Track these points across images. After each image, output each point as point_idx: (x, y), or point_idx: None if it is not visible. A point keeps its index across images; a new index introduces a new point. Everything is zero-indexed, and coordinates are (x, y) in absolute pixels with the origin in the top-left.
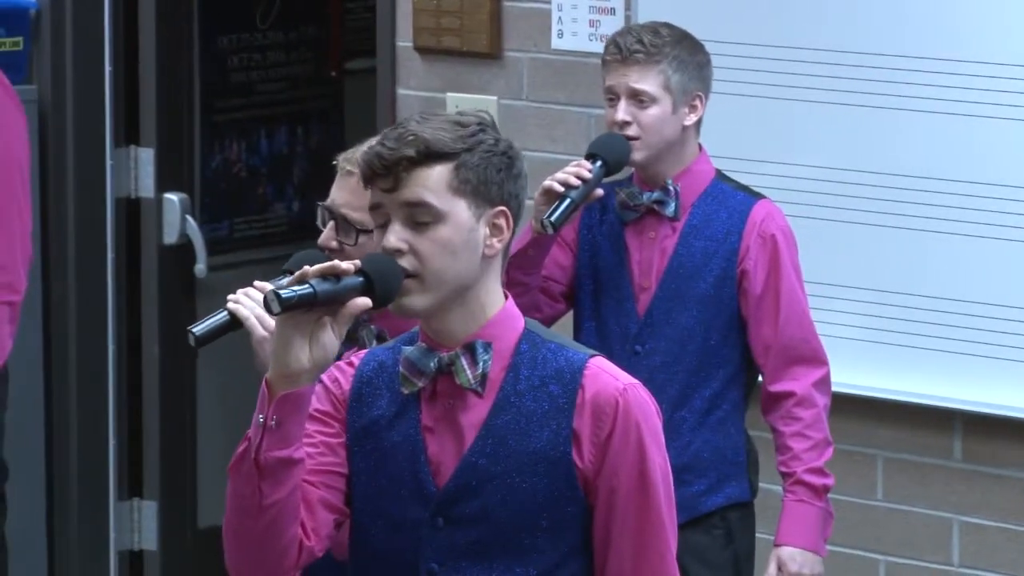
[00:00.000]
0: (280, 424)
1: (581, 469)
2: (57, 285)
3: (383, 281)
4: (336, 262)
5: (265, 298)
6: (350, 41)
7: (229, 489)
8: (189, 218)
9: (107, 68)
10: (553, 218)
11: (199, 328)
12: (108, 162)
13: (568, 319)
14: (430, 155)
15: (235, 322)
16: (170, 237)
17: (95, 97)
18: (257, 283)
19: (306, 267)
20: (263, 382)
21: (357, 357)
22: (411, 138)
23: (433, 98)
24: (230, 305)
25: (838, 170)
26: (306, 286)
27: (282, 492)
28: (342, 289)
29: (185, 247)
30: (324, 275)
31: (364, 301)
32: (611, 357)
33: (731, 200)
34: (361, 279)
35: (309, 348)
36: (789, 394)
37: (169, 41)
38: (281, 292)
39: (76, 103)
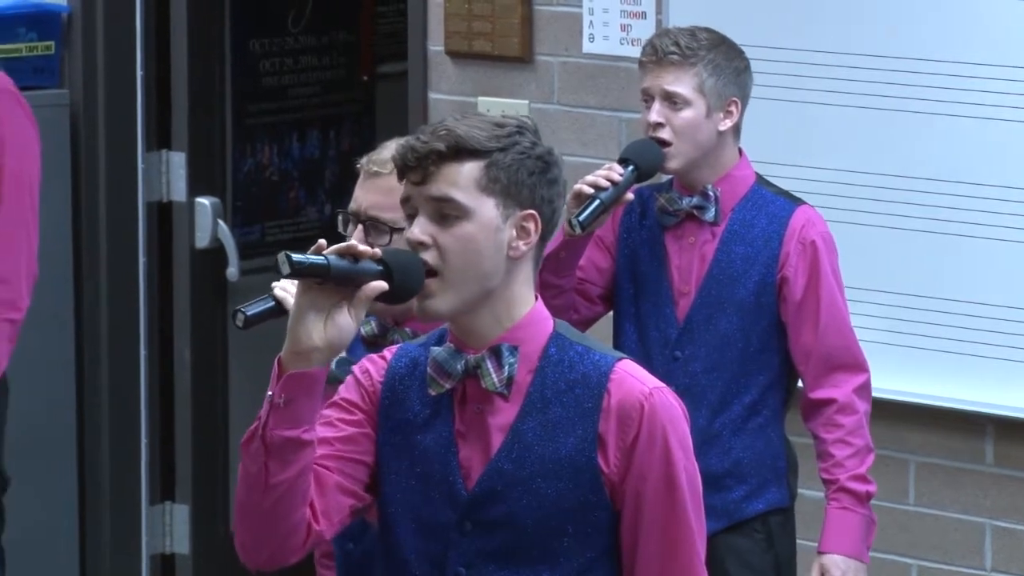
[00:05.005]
0: (288, 403)
1: (607, 474)
2: (89, 289)
3: (402, 272)
4: (353, 242)
5: (277, 259)
6: (381, 45)
7: (240, 466)
8: (221, 222)
9: (139, 72)
10: (581, 218)
11: (250, 310)
12: (140, 166)
13: (608, 320)
14: (460, 151)
15: (281, 308)
16: (202, 241)
17: (127, 101)
18: None
19: (321, 241)
20: (276, 360)
21: (390, 351)
22: (444, 133)
23: (465, 102)
24: (277, 292)
25: (867, 174)
26: (320, 257)
27: (289, 472)
28: (358, 271)
29: (217, 251)
30: (341, 254)
31: (380, 284)
32: (650, 362)
33: (771, 206)
34: (380, 268)
35: (323, 326)
36: (830, 401)
37: (201, 45)
38: (292, 255)
39: (108, 107)
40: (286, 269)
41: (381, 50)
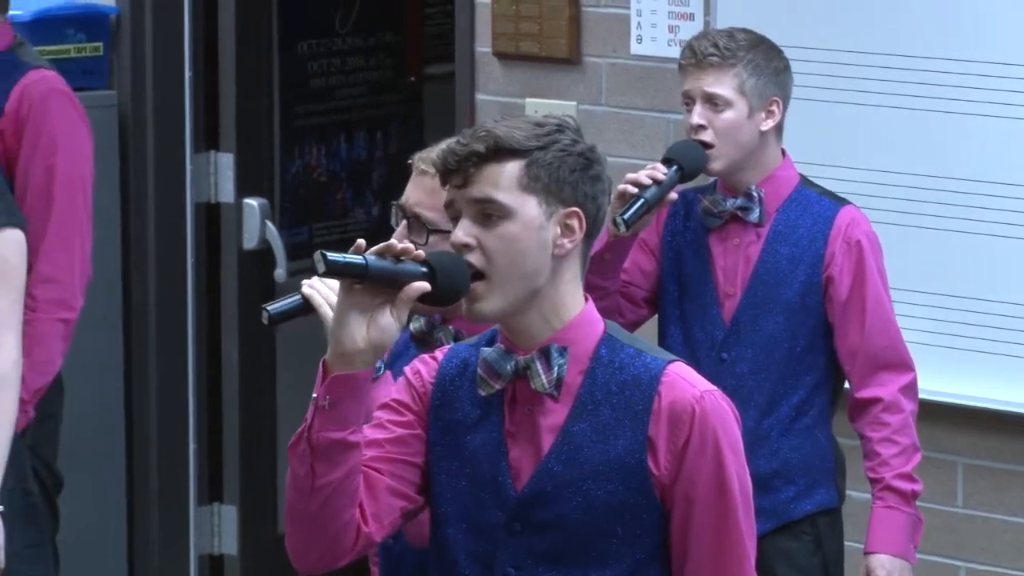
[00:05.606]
0: (333, 405)
1: (657, 476)
2: (137, 290)
3: (446, 274)
4: (392, 242)
5: (313, 257)
6: (429, 46)
7: (288, 469)
8: (269, 223)
9: (187, 73)
10: (626, 216)
11: (274, 307)
12: (188, 167)
13: (653, 323)
14: (500, 151)
15: (308, 306)
16: (250, 242)
17: (175, 102)
18: None
19: (360, 241)
20: (320, 363)
21: (441, 352)
22: (483, 134)
23: (512, 103)
24: (305, 289)
25: (904, 174)
26: (358, 257)
27: (336, 474)
28: (399, 272)
29: (265, 252)
30: (381, 254)
31: (422, 285)
32: (697, 364)
33: (816, 206)
34: (424, 270)
35: (366, 328)
36: (876, 400)
37: (249, 46)
38: (328, 254)
39: (156, 108)
40: (321, 268)
41: (428, 51)
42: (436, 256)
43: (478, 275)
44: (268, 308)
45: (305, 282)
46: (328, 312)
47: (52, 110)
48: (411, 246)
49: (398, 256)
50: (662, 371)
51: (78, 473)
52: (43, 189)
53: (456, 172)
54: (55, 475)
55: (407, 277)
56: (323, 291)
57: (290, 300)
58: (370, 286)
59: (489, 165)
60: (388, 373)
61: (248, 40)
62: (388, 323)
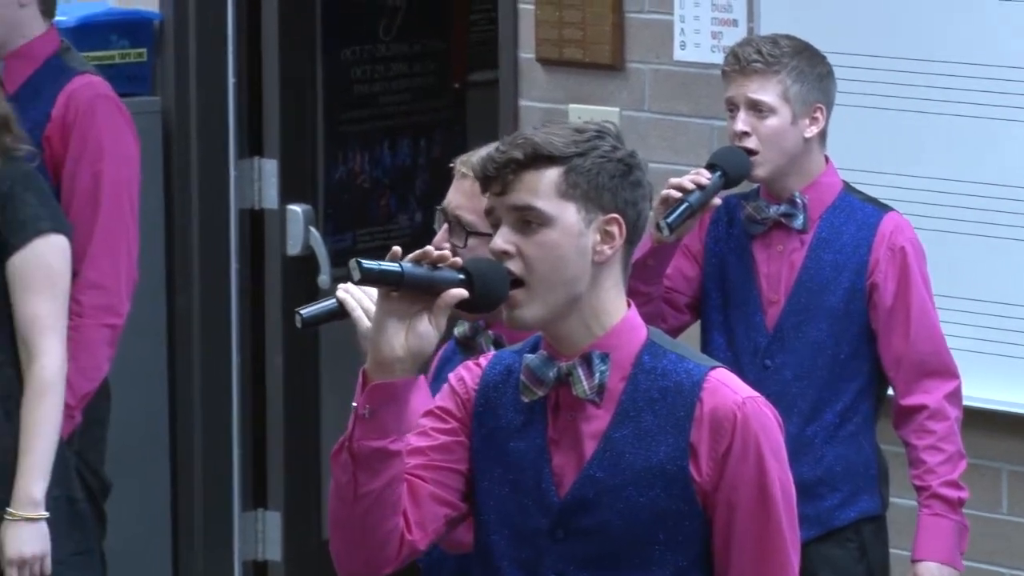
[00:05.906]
0: (373, 414)
1: (699, 483)
2: (181, 296)
3: (484, 281)
4: (428, 248)
5: (349, 264)
6: (473, 53)
7: (332, 477)
8: (312, 229)
9: (230, 79)
10: (669, 220)
11: (307, 311)
12: (232, 173)
13: (696, 329)
14: (538, 158)
15: (342, 311)
16: (294, 248)
17: (218, 108)
18: None
19: (396, 248)
20: (360, 371)
21: (485, 358)
22: (521, 141)
23: (555, 109)
24: (340, 293)
25: (951, 181)
26: (394, 264)
27: (378, 482)
28: (436, 279)
29: (309, 258)
30: (418, 260)
31: (459, 292)
32: (741, 370)
33: (859, 213)
34: (461, 276)
35: (404, 336)
36: (921, 407)
37: (292, 53)
38: (363, 261)
39: (199, 114)
40: (357, 275)
41: (472, 58)
42: (474, 263)
43: (517, 282)
44: (301, 312)
45: (340, 286)
46: (361, 316)
47: (98, 115)
48: (448, 253)
49: (435, 263)
50: (704, 377)
51: (123, 479)
52: (89, 194)
53: (495, 179)
54: (102, 480)
55: (444, 284)
56: (357, 295)
57: (324, 304)
58: (407, 293)
59: (528, 172)
60: (422, 379)
61: (292, 46)
62: (427, 330)
